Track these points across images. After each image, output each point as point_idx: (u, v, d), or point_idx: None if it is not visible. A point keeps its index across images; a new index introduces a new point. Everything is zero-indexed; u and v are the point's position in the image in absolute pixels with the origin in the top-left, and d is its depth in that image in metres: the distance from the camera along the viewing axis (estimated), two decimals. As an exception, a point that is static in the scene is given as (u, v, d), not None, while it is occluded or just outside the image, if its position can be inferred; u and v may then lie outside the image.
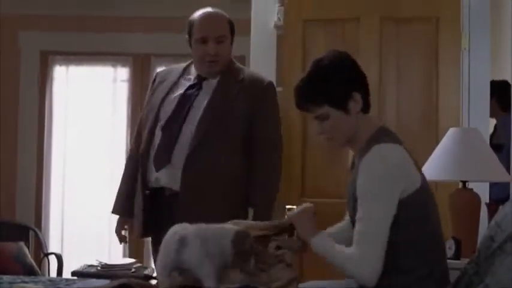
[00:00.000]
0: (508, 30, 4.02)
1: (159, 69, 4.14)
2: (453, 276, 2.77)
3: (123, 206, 3.83)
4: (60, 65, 7.41)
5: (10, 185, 7.15)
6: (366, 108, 2.75)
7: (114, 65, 7.33)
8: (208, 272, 2.56)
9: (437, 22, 4.62)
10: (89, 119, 7.12)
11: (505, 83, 5.35)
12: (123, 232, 3.85)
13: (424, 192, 2.69)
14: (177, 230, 2.70)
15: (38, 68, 7.31)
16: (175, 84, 3.72)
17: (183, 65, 3.82)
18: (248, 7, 5.05)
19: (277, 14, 4.98)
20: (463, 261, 3.00)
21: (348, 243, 2.64)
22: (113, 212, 3.89)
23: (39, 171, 7.26)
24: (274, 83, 4.96)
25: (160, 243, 2.72)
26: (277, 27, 4.98)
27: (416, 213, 2.64)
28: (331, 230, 2.97)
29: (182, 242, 2.62)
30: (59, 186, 7.30)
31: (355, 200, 2.68)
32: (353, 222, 2.70)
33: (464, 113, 4.61)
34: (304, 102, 2.72)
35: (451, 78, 4.61)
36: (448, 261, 2.84)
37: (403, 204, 2.61)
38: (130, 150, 3.92)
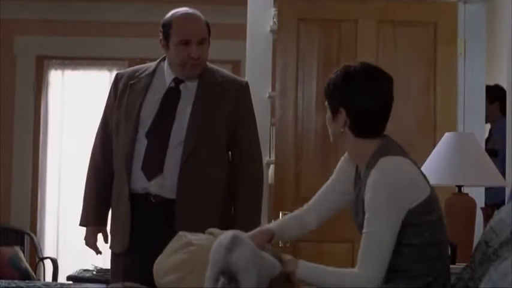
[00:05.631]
0: (504, 36, 4.02)
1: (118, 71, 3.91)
2: (448, 281, 2.77)
3: (98, 215, 3.71)
4: (56, 69, 7.41)
5: (5, 190, 7.14)
6: (366, 132, 2.79)
7: (109, 69, 7.33)
8: (251, 282, 2.49)
9: (435, 27, 4.62)
10: (85, 123, 7.11)
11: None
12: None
13: (435, 200, 2.72)
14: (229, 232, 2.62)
15: (34, 73, 7.32)
16: (149, 87, 3.60)
17: (151, 65, 3.69)
18: (244, 11, 5.04)
19: (273, 18, 4.97)
20: (459, 266, 3.00)
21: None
22: (85, 223, 3.73)
23: (34, 176, 7.26)
24: (269, 88, 5.00)
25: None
26: (273, 31, 4.97)
27: (429, 219, 2.67)
28: (274, 224, 3.00)
29: (234, 242, 2.52)
30: (55, 191, 7.29)
31: (363, 212, 2.71)
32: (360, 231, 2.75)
33: (460, 117, 4.60)
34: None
35: (447, 83, 4.61)
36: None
37: (415, 213, 2.65)
38: (94, 156, 3.75)
